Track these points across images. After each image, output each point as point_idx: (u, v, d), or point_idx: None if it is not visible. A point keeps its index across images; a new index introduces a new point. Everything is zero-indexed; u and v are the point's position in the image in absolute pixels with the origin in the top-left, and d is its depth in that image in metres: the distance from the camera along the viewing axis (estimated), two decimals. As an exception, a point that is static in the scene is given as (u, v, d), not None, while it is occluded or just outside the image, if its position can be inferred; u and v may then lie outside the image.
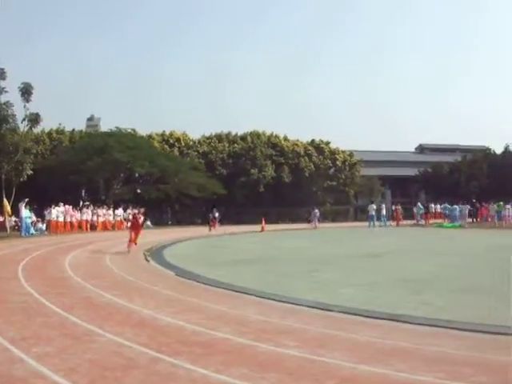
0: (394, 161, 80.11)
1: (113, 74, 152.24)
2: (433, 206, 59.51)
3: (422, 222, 50.97)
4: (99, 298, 11.47)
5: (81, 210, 44.26)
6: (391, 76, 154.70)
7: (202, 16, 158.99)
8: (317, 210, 52.29)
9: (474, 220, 52.51)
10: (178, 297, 11.75)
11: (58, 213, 40.10)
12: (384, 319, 9.34)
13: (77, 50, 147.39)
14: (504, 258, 19.82)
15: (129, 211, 47.86)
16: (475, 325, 8.64)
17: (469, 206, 52.78)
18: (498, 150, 75.54)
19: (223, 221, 50.13)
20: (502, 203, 48.11)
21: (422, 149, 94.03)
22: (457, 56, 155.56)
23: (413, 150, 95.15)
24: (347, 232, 42.47)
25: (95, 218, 44.60)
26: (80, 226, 42.66)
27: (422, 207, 52.67)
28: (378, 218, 50.13)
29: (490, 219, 47.09)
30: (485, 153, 76.47)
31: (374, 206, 50.52)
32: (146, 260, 19.17)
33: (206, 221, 43.51)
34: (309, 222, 51.41)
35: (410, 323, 8.99)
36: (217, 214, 43.94)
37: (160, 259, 20.18)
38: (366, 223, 49.91)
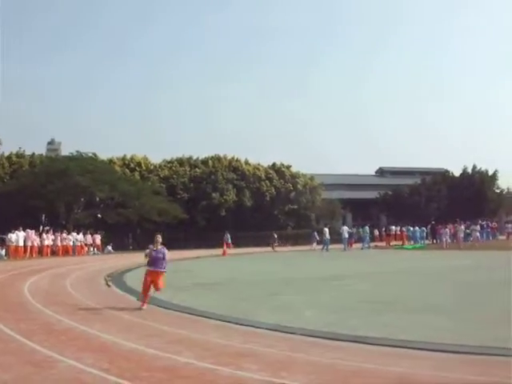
0: (354, 184, 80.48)
1: (73, 97, 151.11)
2: (393, 227, 59.99)
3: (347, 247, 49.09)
4: (59, 324, 11.34)
5: (41, 234, 43.73)
6: (353, 100, 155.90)
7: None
8: (315, 233, 53.91)
9: (434, 241, 52.92)
10: (140, 322, 11.66)
11: (17, 237, 39.56)
12: (346, 341, 9.40)
13: (36, 72, 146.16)
14: (462, 278, 20.16)
15: (88, 236, 47.46)
16: (436, 344, 8.74)
17: (425, 229, 53.60)
18: (457, 172, 76.60)
19: (184, 245, 50.14)
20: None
21: (382, 172, 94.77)
22: (419, 80, 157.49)
23: (373, 173, 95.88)
24: (309, 255, 42.53)
25: (56, 242, 44.10)
26: (40, 252, 42.13)
27: (349, 230, 51.64)
28: (321, 242, 50.11)
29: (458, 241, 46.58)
30: (443, 175, 77.50)
31: (328, 230, 51.05)
32: (107, 285, 19.01)
33: (169, 245, 43.08)
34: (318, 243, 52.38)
35: (372, 344, 9.06)
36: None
37: (121, 284, 20.03)
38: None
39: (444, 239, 45.32)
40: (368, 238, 50.65)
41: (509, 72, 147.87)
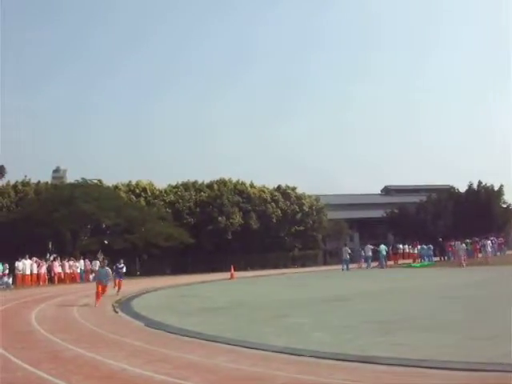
0: (360, 203, 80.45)
1: (77, 124, 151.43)
2: (401, 246, 59.82)
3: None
4: (67, 352, 11.26)
5: (48, 262, 43.74)
6: (357, 117, 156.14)
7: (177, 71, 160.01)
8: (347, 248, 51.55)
9: (442, 259, 52.68)
10: (148, 347, 11.58)
11: (24, 266, 39.60)
12: (356, 362, 9.28)
13: (39, 100, 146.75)
14: (469, 295, 20.07)
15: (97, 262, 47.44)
16: (447, 362, 8.64)
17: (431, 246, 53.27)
18: (463, 188, 76.43)
19: (192, 269, 50.11)
20: (468, 241, 48.71)
21: (387, 190, 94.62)
22: (418, 95, 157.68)
23: (378, 191, 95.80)
24: (316, 276, 42.43)
25: (62, 270, 44.08)
26: (47, 279, 42.10)
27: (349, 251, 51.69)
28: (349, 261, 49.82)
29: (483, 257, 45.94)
30: (449, 192, 77.39)
31: (349, 250, 50.62)
32: (115, 311, 18.95)
33: (176, 270, 43.26)
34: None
35: (382, 364, 8.94)
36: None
37: (129, 310, 19.95)
38: (335, 267, 49.88)
39: (461, 255, 44.22)
40: (385, 255, 50.81)
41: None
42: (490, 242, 48.21)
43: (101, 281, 22.69)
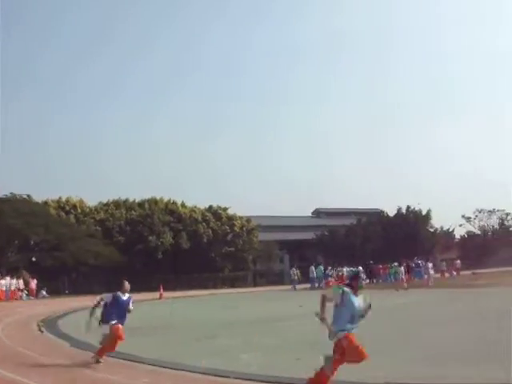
0: (291, 225, 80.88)
1: (6, 137, 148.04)
2: (330, 268, 60.57)
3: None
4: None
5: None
6: (287, 138, 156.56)
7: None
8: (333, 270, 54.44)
9: (371, 282, 53.49)
10: (72, 368, 11.46)
11: None
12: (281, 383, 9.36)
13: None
14: (401, 317, 20.44)
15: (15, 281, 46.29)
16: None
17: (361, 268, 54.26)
18: (392, 213, 77.76)
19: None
20: (396, 264, 49.69)
21: (318, 213, 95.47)
22: (342, 122, 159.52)
23: (310, 214, 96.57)
24: (246, 297, 42.49)
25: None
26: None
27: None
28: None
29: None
30: (379, 215, 78.67)
31: (296, 271, 53.13)
32: (40, 331, 18.65)
33: (105, 289, 42.54)
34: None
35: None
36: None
37: (55, 330, 19.65)
38: (265, 288, 50.55)
39: (401, 277, 44.91)
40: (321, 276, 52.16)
41: (443, 113, 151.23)
42: (430, 264, 48.96)
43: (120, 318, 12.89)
